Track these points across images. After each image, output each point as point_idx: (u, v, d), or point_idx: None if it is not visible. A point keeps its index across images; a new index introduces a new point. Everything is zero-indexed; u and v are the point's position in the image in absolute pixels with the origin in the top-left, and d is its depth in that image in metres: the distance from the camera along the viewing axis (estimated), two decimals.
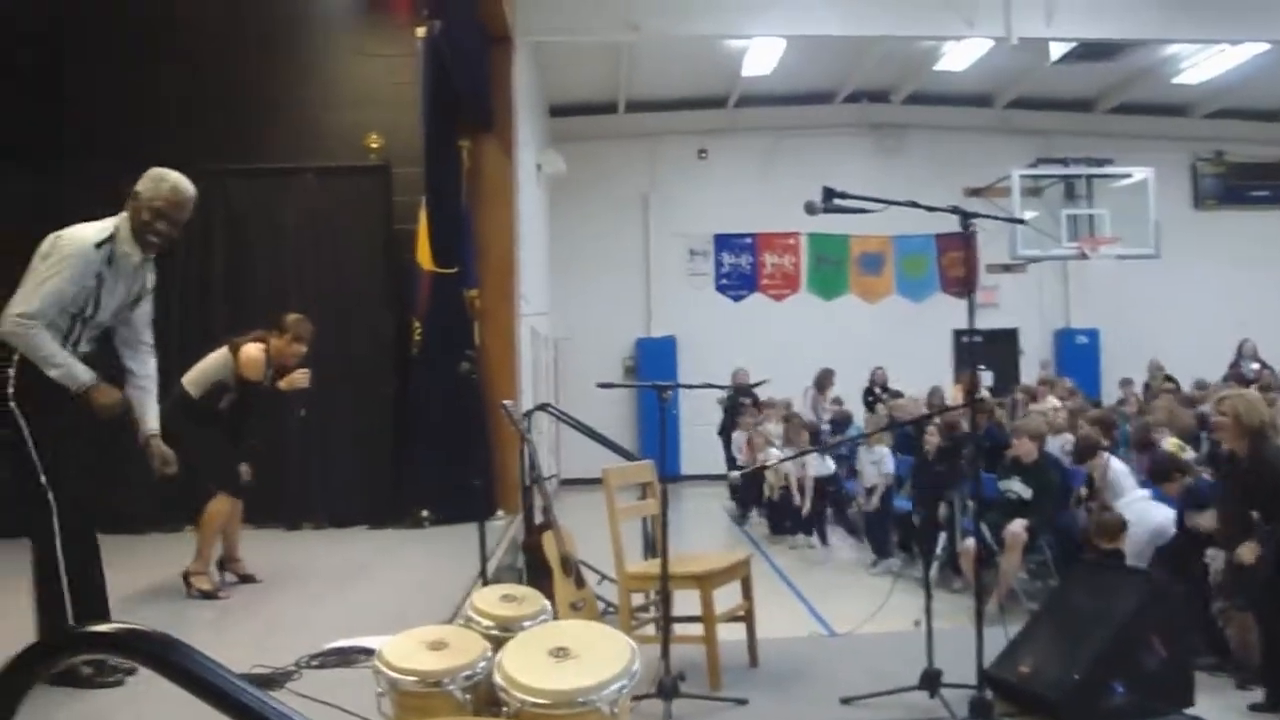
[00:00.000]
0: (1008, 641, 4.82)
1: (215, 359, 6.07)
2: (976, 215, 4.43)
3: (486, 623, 2.85)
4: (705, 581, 4.97)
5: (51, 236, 4.15)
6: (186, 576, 5.90)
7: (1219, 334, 15.36)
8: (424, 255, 8.44)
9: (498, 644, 2.84)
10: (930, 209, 4.39)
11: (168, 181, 4.23)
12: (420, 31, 7.97)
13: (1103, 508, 7.18)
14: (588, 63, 14.24)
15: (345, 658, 4.49)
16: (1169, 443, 8.03)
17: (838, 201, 4.05)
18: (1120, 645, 4.43)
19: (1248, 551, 5.23)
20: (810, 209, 4.10)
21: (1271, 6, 12.00)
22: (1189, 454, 7.76)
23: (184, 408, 5.87)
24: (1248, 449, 5.43)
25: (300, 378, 6.23)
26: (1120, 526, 6.80)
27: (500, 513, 8.32)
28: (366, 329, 8.53)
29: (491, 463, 8.42)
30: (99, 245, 4.10)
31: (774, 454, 10.85)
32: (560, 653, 2.70)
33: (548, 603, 2.96)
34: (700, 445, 15.38)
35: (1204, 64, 14.69)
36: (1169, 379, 13.95)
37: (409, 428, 8.41)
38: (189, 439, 5.68)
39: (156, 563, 6.38)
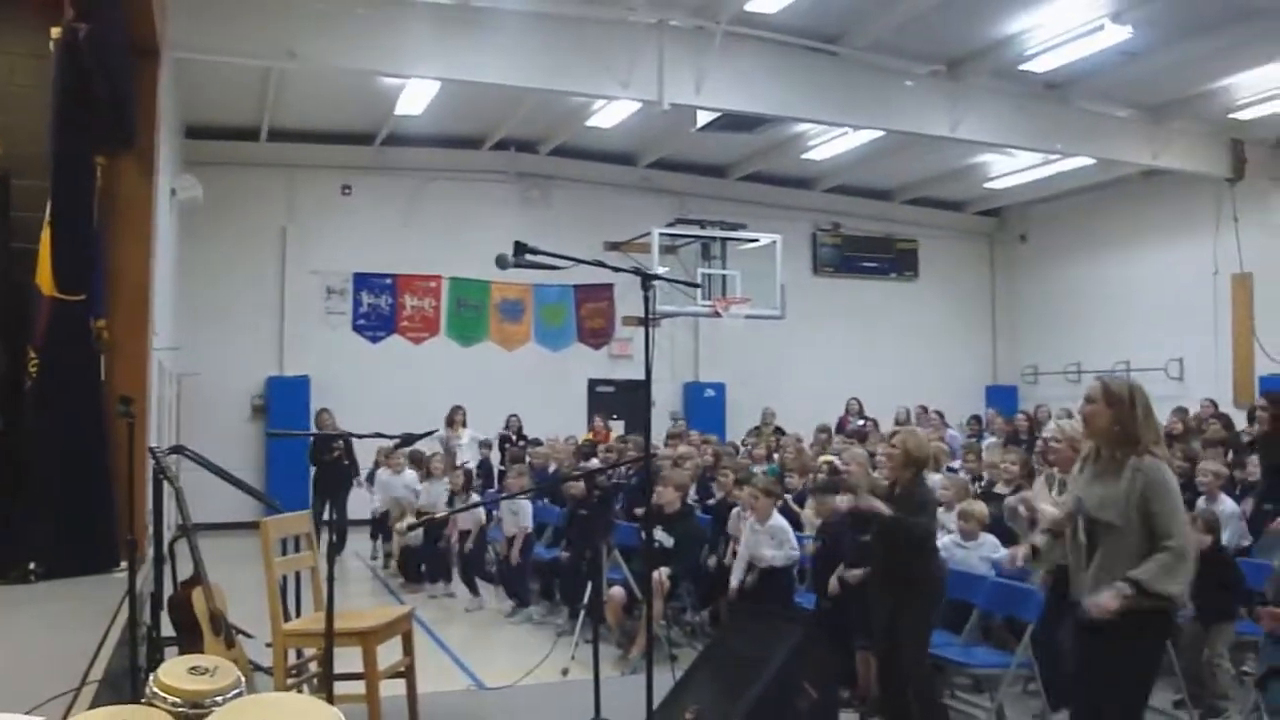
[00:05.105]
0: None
1: None
2: (658, 278, 4.58)
3: (174, 699, 2.54)
4: (369, 638, 4.82)
5: None
6: None
7: (829, 391, 16.79)
8: (45, 278, 7.64)
9: None
10: (615, 269, 4.50)
11: None
12: (55, 31, 7.26)
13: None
14: (232, 84, 13.48)
15: None
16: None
17: (529, 257, 4.05)
18: (777, 690, 4.68)
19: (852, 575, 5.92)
20: (501, 263, 4.08)
21: (887, 99, 13.43)
22: None
23: None
24: (908, 479, 5.79)
25: None
26: (775, 488, 7.36)
27: (124, 564, 7.63)
28: None
29: (113, 509, 7.73)
30: None
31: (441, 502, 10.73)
32: None
33: (240, 674, 2.71)
34: None
35: (829, 143, 16.15)
36: (778, 430, 14.95)
37: (17, 470, 7.57)
38: None
39: None
